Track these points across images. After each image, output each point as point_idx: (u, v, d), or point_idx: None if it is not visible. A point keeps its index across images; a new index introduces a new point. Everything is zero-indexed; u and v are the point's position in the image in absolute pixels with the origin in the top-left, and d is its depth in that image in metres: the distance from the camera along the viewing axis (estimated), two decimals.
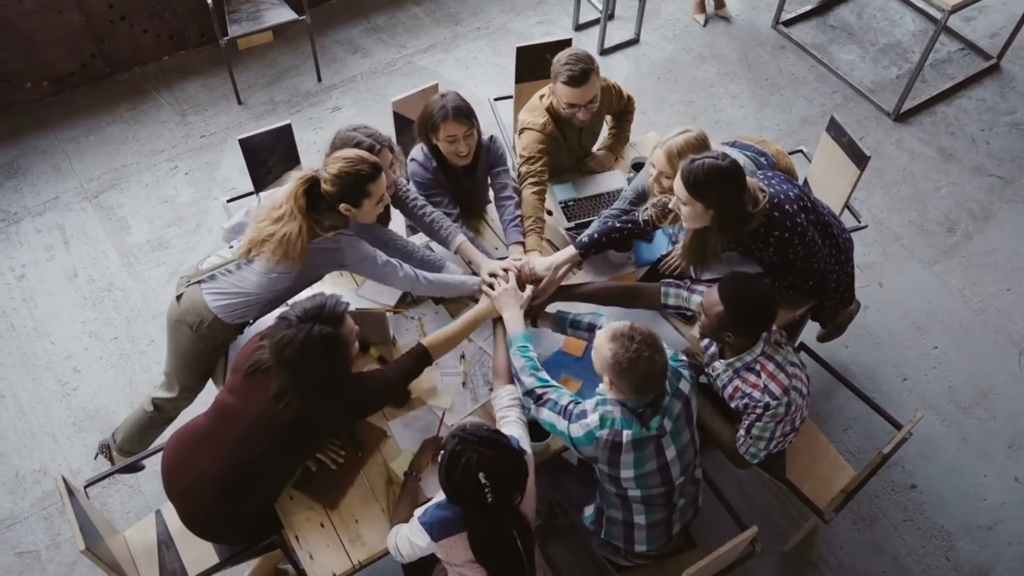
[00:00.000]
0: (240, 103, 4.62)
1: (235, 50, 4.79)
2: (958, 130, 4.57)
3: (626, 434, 2.20)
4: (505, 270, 2.70)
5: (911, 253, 4.04)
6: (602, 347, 2.19)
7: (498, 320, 2.62)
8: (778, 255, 2.64)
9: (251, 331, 2.73)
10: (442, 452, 2.03)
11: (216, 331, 2.62)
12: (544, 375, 2.37)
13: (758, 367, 2.44)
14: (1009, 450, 3.40)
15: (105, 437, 3.16)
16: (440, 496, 2.11)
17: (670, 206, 2.58)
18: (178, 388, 2.84)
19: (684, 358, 2.41)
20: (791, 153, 3.34)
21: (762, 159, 2.90)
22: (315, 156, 2.57)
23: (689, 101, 4.70)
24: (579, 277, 2.95)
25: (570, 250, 2.79)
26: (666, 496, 2.34)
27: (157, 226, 4.10)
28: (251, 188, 3.37)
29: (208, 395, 2.72)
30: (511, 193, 2.99)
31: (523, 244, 2.91)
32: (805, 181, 3.45)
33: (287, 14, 4.46)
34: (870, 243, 4.03)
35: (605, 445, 2.20)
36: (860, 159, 3.12)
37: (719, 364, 2.52)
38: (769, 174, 2.70)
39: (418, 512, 2.14)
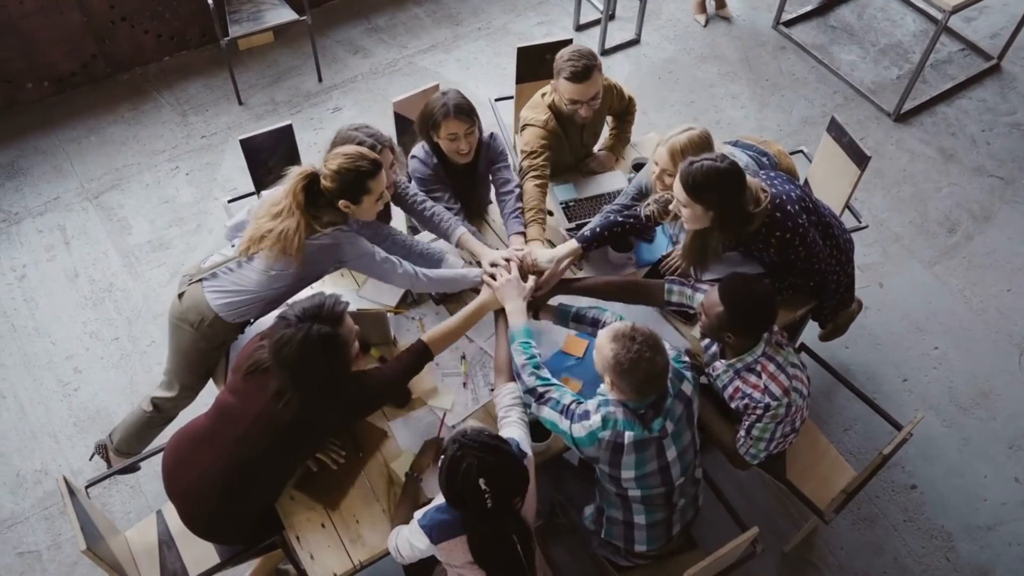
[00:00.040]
0: (241, 103, 4.62)
1: (236, 50, 4.80)
2: (959, 130, 4.57)
3: (628, 435, 2.20)
4: (507, 260, 2.67)
5: (911, 253, 4.04)
6: (603, 347, 2.19)
7: (499, 313, 2.60)
8: (779, 256, 2.64)
9: (252, 331, 2.73)
10: (442, 457, 2.03)
11: (217, 330, 2.62)
12: (546, 373, 2.36)
13: (759, 368, 2.44)
14: (1009, 451, 3.40)
15: (101, 438, 3.16)
16: (440, 499, 2.11)
17: (671, 208, 2.58)
18: (178, 387, 2.83)
19: (687, 359, 2.41)
20: (792, 153, 3.34)
21: (764, 159, 2.91)
22: (316, 156, 2.57)
23: (690, 101, 4.71)
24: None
25: (572, 243, 2.79)
26: (666, 496, 2.34)
27: (158, 226, 4.10)
28: (252, 188, 3.38)
29: (208, 395, 2.72)
30: (512, 188, 2.99)
31: (524, 235, 2.90)
32: (806, 181, 3.45)
33: (288, 14, 4.46)
34: (870, 243, 4.03)
35: (607, 446, 2.21)
36: (861, 159, 3.13)
37: (719, 364, 2.52)
38: (772, 174, 2.70)
39: (418, 515, 2.14)
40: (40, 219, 4.12)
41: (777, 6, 5.03)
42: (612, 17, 5.03)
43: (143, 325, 3.73)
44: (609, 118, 3.37)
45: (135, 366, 3.60)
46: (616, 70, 4.84)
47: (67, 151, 4.39)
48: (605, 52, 4.93)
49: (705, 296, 2.46)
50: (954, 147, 4.49)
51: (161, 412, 2.93)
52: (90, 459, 3.21)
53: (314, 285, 2.75)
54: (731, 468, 2.69)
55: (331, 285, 2.91)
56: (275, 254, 2.44)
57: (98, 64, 4.61)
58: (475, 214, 3.18)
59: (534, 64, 3.56)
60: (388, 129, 3.05)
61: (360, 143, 2.60)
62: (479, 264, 2.76)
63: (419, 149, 2.99)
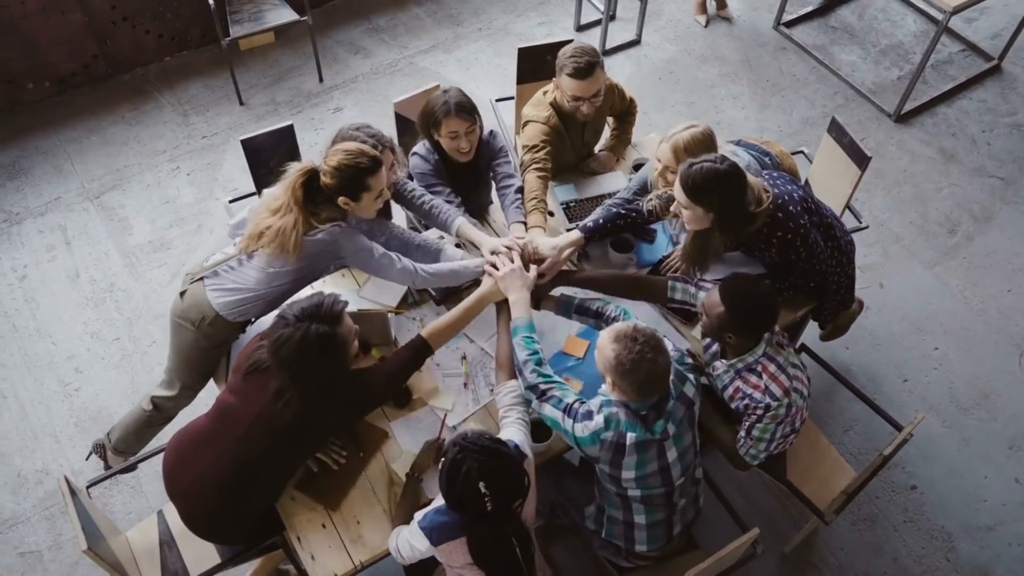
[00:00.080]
0: (242, 104, 4.63)
1: (237, 51, 4.80)
2: (959, 131, 4.57)
3: (630, 436, 2.20)
4: (508, 248, 2.62)
5: (912, 254, 4.04)
6: (605, 348, 2.19)
7: (501, 305, 2.55)
8: (780, 256, 2.64)
9: (253, 330, 2.73)
10: (443, 460, 2.03)
11: (218, 329, 2.62)
12: (548, 370, 2.33)
13: (759, 368, 2.44)
14: (1010, 451, 3.40)
15: (99, 437, 3.16)
16: (440, 500, 2.10)
17: (671, 208, 2.58)
18: (178, 386, 2.83)
19: (690, 360, 2.40)
20: (792, 154, 3.34)
21: (766, 159, 2.91)
22: (317, 157, 2.56)
23: (690, 102, 4.71)
24: None
25: (575, 233, 2.78)
26: (666, 496, 2.34)
27: (159, 227, 4.10)
28: (253, 189, 3.38)
29: (208, 396, 2.72)
30: (513, 182, 2.97)
31: (524, 224, 2.87)
32: (806, 182, 3.46)
33: (289, 15, 4.46)
34: (871, 244, 4.03)
35: (609, 447, 2.21)
36: (861, 160, 3.13)
37: (720, 364, 2.52)
38: (774, 174, 2.70)
39: (418, 516, 2.14)
40: (41, 219, 4.12)
41: (778, 7, 5.04)
42: (613, 18, 5.03)
43: (144, 325, 3.73)
44: (610, 119, 3.38)
45: (136, 366, 3.60)
46: (617, 71, 4.84)
47: (68, 151, 4.40)
48: (606, 53, 4.92)
49: (706, 296, 2.46)
50: (955, 148, 4.49)
51: (161, 411, 2.93)
52: (87, 458, 3.20)
53: (315, 285, 2.75)
54: (731, 469, 2.69)
55: (332, 285, 2.91)
56: (273, 251, 2.43)
57: (99, 64, 4.62)
58: (476, 213, 3.18)
59: (535, 65, 3.56)
60: (389, 129, 3.06)
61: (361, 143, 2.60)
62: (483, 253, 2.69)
63: (420, 146, 3.00)
